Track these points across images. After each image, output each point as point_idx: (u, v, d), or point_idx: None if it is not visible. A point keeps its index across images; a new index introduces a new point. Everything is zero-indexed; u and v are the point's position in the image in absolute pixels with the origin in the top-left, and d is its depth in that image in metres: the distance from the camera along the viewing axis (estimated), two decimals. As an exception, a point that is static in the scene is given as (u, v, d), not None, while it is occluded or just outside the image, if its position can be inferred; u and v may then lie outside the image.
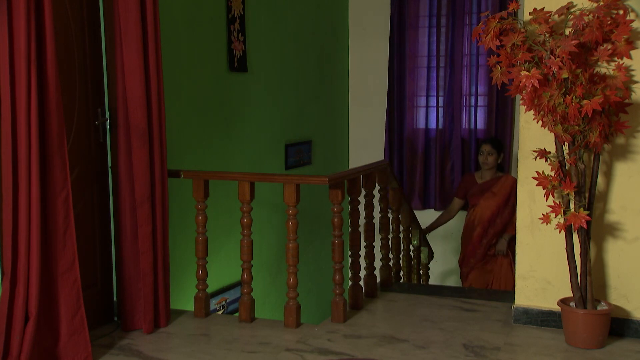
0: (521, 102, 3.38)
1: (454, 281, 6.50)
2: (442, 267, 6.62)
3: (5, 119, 2.92)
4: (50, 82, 3.01)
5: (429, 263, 5.67)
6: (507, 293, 4.46)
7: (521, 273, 3.72)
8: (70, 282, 3.14)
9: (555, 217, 3.34)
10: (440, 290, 4.84)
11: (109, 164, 3.72)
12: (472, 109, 6.64)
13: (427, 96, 6.82)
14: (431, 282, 5.84)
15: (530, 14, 3.36)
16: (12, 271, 2.97)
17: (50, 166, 3.05)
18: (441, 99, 6.75)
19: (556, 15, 3.34)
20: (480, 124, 6.65)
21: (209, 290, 4.06)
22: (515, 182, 5.37)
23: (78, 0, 3.46)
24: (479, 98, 6.64)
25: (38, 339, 3.02)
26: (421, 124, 6.87)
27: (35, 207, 2.97)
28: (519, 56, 3.22)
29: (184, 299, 4.33)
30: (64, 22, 3.35)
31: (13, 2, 2.87)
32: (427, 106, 6.82)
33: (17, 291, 2.98)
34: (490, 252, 5.50)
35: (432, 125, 6.81)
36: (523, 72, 3.18)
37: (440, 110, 6.75)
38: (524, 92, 3.24)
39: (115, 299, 3.79)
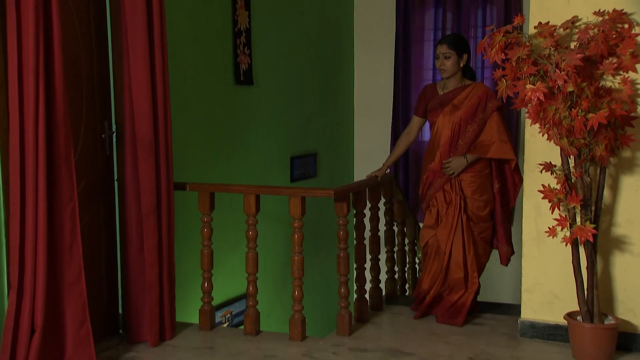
0: (526, 115, 3.38)
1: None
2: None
3: (13, 132, 2.94)
4: (57, 96, 3.03)
5: (434, 276, 5.64)
6: (514, 307, 4.43)
7: (527, 286, 3.71)
8: (76, 295, 3.15)
9: (562, 230, 3.33)
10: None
11: (116, 177, 3.73)
12: (478, 122, 6.63)
13: (433, 109, 6.81)
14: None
15: (535, 27, 3.37)
16: (19, 284, 2.99)
17: (57, 179, 3.06)
18: (446, 112, 6.73)
19: (561, 29, 3.35)
20: (486, 137, 6.64)
21: (214, 302, 4.06)
22: (486, 91, 4.11)
23: (86, 14, 3.49)
24: (484, 111, 6.63)
25: (44, 351, 3.02)
26: (427, 137, 6.82)
27: (42, 220, 2.98)
28: (524, 69, 3.23)
29: (189, 311, 4.33)
30: (71, 36, 3.37)
31: (22, 16, 2.89)
32: (433, 119, 6.81)
33: (24, 304, 2.99)
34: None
35: (438, 138, 6.79)
36: (528, 86, 3.18)
37: (446, 123, 6.74)
38: (529, 105, 3.25)
39: (120, 311, 3.79)
